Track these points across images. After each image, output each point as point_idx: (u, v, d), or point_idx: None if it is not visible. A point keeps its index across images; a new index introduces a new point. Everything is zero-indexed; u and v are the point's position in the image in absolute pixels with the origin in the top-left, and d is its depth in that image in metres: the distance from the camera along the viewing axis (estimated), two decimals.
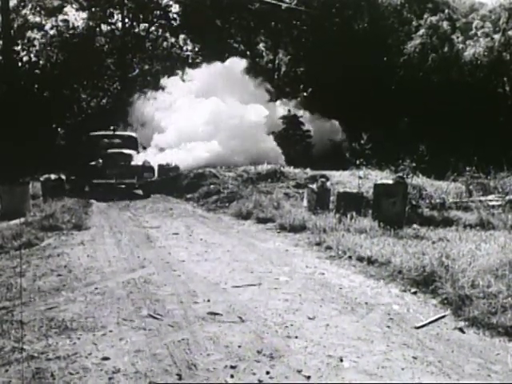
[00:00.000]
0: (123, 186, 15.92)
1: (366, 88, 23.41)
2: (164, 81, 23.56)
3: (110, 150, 16.24)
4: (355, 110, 23.08)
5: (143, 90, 24.32)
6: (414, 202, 10.00)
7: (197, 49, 29.59)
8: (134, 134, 18.58)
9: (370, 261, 6.58)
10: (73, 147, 20.30)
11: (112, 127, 17.55)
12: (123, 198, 14.41)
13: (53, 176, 12.79)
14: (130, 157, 16.14)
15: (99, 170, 15.30)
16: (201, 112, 20.37)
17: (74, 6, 29.55)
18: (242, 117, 20.38)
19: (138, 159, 16.27)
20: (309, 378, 3.44)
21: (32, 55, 28.68)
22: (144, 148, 17.16)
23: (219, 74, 22.48)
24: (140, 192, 15.96)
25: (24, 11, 28.67)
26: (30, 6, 28.80)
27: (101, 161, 15.52)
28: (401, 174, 10.59)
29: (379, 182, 10.26)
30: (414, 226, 8.89)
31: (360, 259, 6.76)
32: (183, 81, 23.59)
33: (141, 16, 29.98)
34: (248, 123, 20.23)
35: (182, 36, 30.92)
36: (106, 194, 14.51)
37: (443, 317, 4.71)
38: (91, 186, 15.41)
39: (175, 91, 22.21)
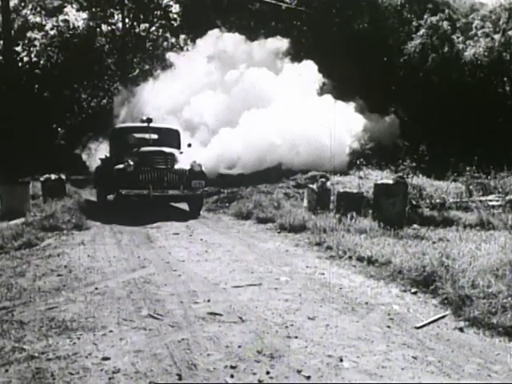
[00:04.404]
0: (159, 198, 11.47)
1: (366, 88, 23.39)
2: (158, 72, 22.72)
3: (143, 148, 11.77)
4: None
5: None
6: (414, 202, 9.99)
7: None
8: (174, 127, 13.83)
9: (370, 261, 6.58)
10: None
11: (145, 118, 12.94)
12: (160, 218, 10.64)
13: (53, 176, 12.75)
14: (172, 157, 11.66)
15: (129, 176, 11.14)
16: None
17: (74, 6, 29.64)
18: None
19: (183, 161, 11.86)
20: (309, 377, 3.44)
21: (32, 55, 28.78)
22: (189, 145, 12.71)
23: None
24: (185, 207, 12.34)
25: (24, 11, 28.75)
26: (30, 6, 28.87)
27: (131, 163, 11.26)
28: (401, 174, 10.59)
29: (379, 181, 10.26)
30: (414, 226, 8.88)
31: (360, 259, 6.76)
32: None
33: (141, 16, 30.02)
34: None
35: (182, 36, 30.92)
36: (134, 210, 11.26)
37: (443, 317, 4.70)
38: (117, 198, 11.56)
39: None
